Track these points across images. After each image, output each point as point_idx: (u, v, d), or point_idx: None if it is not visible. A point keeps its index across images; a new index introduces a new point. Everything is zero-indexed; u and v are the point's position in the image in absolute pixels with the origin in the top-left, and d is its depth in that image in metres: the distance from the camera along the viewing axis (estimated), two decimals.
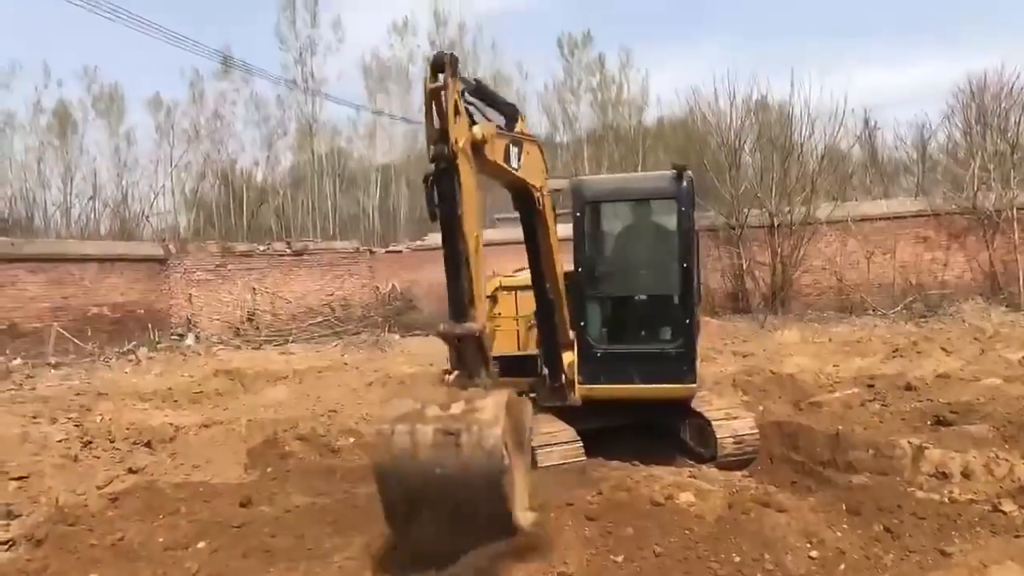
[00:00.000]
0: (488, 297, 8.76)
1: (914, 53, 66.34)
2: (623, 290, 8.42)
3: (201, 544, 6.01)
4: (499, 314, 8.68)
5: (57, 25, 62.52)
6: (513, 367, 8.50)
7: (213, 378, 15.33)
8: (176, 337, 21.18)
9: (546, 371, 8.17)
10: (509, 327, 8.71)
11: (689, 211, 8.03)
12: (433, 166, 5.03)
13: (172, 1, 59.10)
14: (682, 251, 8.02)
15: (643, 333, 8.33)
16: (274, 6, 43.37)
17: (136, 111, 58.15)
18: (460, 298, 5.16)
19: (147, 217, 38.81)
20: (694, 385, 8.11)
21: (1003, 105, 23.28)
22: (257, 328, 22.98)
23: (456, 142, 4.93)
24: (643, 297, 8.44)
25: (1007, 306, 19.46)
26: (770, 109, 26.77)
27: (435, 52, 5.06)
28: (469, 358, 5.08)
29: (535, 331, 8.58)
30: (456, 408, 4.54)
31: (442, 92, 4.88)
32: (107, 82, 42.22)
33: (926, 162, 31.12)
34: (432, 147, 4.96)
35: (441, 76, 4.88)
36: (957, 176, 23.97)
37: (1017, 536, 5.37)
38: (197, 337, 21.23)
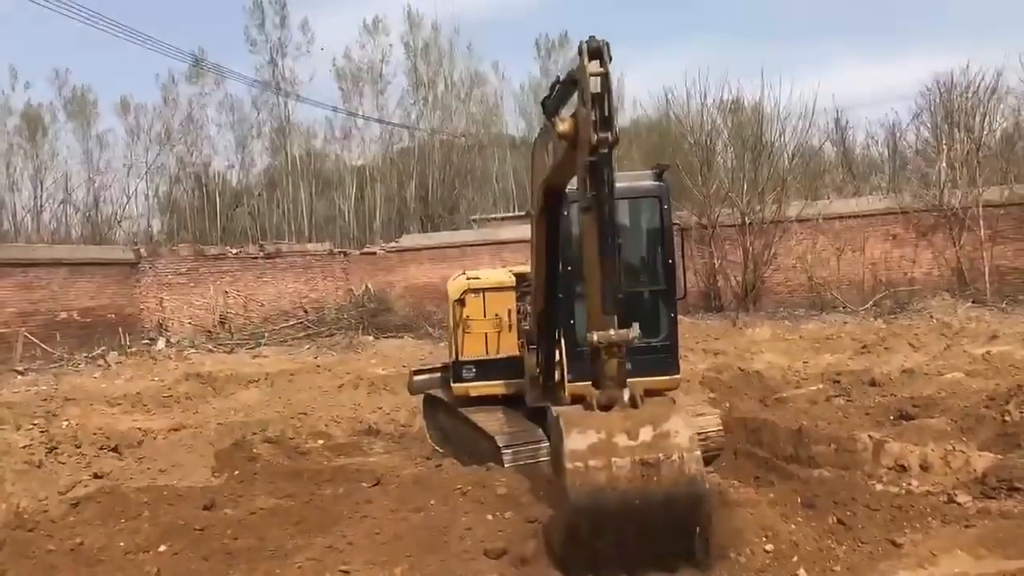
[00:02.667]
0: (456, 301, 8.75)
1: (885, 53, 67.05)
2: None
3: (162, 548, 5.97)
4: (468, 317, 8.64)
5: (24, 27, 61.80)
6: (490, 371, 8.54)
7: (183, 382, 15.24)
8: (147, 341, 20.99)
9: (536, 372, 8.16)
10: (479, 330, 8.68)
11: (670, 209, 8.35)
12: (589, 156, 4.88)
13: (143, 4, 58.63)
14: (665, 247, 8.28)
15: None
16: (243, 8, 42.99)
17: (108, 115, 57.62)
18: (615, 299, 5.01)
19: (119, 221, 38.52)
20: (678, 376, 8.34)
21: (969, 104, 23.60)
22: (229, 331, 22.83)
23: (615, 131, 4.85)
24: (629, 293, 8.55)
25: (973, 302, 19.74)
26: (743, 109, 27.00)
27: (588, 39, 4.89)
28: (617, 368, 4.96)
29: (507, 333, 8.60)
30: (645, 434, 4.52)
31: (607, 79, 4.79)
32: (78, 85, 41.85)
33: (896, 161, 31.52)
34: (596, 134, 4.79)
35: (598, 63, 4.78)
36: (926, 174, 24.29)
37: (968, 526, 5.47)
38: (168, 341, 21.06)
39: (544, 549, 4.91)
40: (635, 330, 5.06)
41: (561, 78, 5.75)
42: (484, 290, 8.70)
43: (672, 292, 8.35)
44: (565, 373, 8.07)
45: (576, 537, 4.57)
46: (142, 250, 23.88)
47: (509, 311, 8.66)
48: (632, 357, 8.13)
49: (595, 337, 4.97)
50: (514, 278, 8.92)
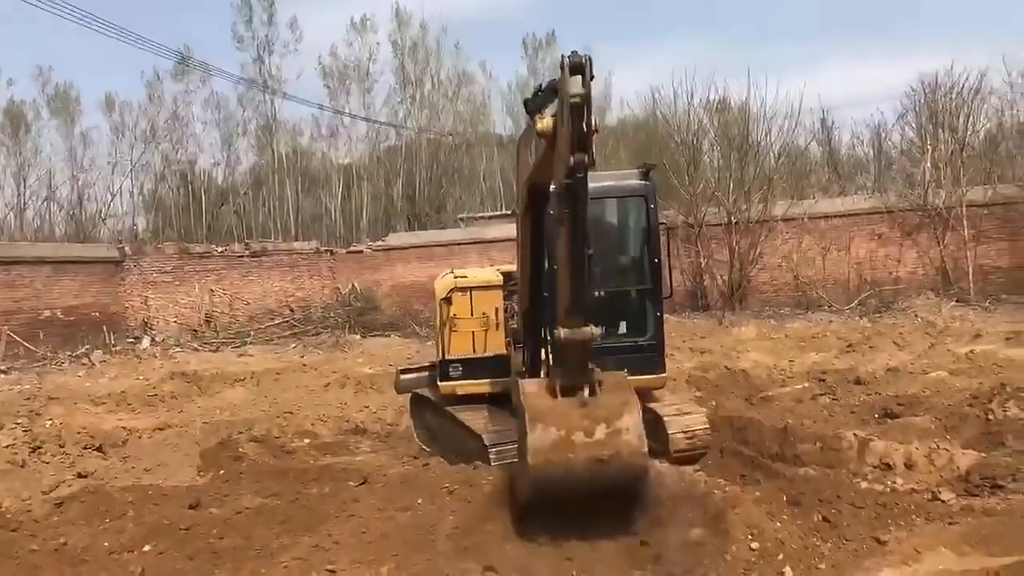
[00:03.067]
0: (443, 299, 8.72)
1: (871, 54, 67.43)
2: (596, 286, 8.54)
3: (147, 547, 5.95)
4: (455, 315, 8.61)
5: (7, 24, 61.26)
6: (477, 369, 8.52)
7: (168, 381, 15.16)
8: (132, 340, 20.85)
9: (523, 370, 8.12)
10: (465, 329, 8.66)
11: (656, 208, 8.45)
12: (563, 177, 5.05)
13: (129, 1, 58.23)
14: (651, 246, 8.38)
15: (616, 327, 8.53)
16: (231, 5, 42.68)
17: (93, 112, 57.19)
18: (582, 302, 5.48)
19: (103, 219, 38.25)
20: (665, 375, 8.49)
21: (953, 105, 23.77)
22: (215, 330, 22.72)
23: (593, 151, 4.93)
24: (616, 292, 8.58)
25: (957, 301, 19.88)
26: (729, 109, 27.08)
27: (571, 53, 4.87)
28: (578, 361, 5.49)
29: (495, 332, 8.59)
30: (600, 432, 5.16)
31: (587, 99, 4.80)
32: (61, 81, 41.52)
33: (881, 160, 31.70)
34: (573, 156, 4.88)
35: (579, 81, 4.78)
36: (910, 174, 24.45)
37: (951, 523, 5.52)
38: (153, 340, 20.93)
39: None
40: (597, 329, 5.55)
41: (543, 84, 5.84)
42: (471, 289, 8.69)
43: (658, 291, 8.48)
44: (550, 371, 8.10)
45: (531, 505, 5.39)
46: (127, 248, 23.74)
47: (496, 310, 8.65)
48: (618, 356, 8.29)
49: (562, 334, 5.44)
50: (501, 277, 8.92)
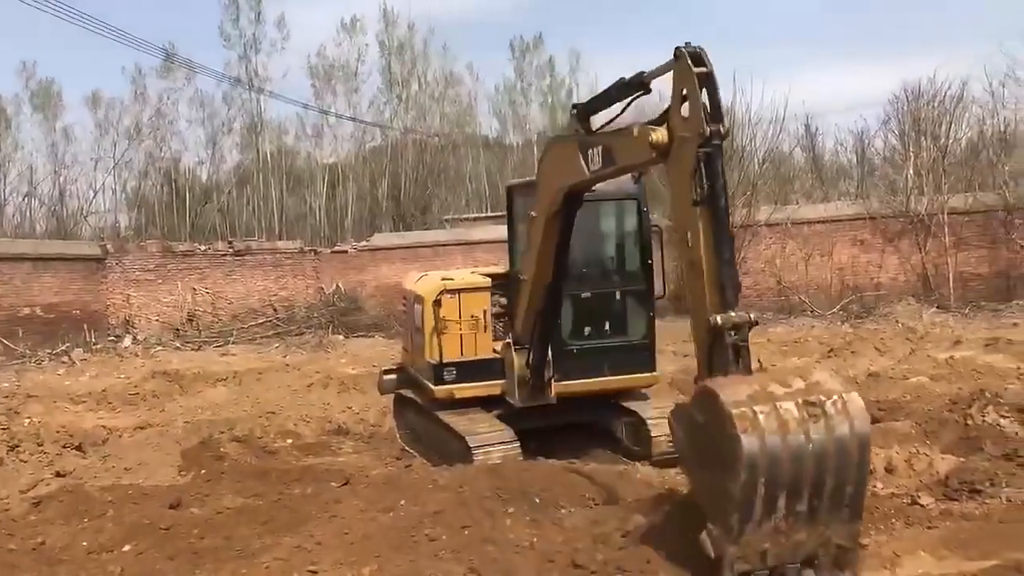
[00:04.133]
0: (434, 302, 8.66)
1: (856, 60, 67.95)
2: (592, 288, 8.58)
3: (126, 547, 5.89)
4: (445, 318, 8.56)
5: None
6: (472, 372, 8.48)
7: (150, 379, 15.07)
8: (113, 338, 20.72)
9: (524, 372, 8.16)
10: (456, 332, 8.61)
11: (648, 210, 8.66)
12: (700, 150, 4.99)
13: None
14: (643, 248, 8.60)
15: (610, 328, 8.67)
16: (217, 3, 42.52)
17: (77, 108, 56.70)
18: (735, 285, 4.96)
19: (85, 216, 37.94)
20: (657, 374, 8.69)
21: (936, 113, 23.99)
22: (197, 329, 22.60)
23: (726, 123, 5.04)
24: (610, 293, 8.67)
25: (937, 307, 20.05)
26: None
27: (685, 44, 5.11)
28: (733, 350, 4.80)
29: (483, 334, 8.56)
30: (798, 384, 4.35)
31: (712, 77, 5.00)
32: (44, 77, 41.19)
33: (865, 167, 31.94)
34: (710, 126, 4.94)
35: (701, 65, 4.98)
36: (893, 181, 24.65)
37: (930, 527, 5.56)
38: (135, 338, 20.80)
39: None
40: (751, 313, 4.97)
41: (624, 80, 6.01)
42: (460, 291, 8.66)
43: (650, 292, 8.65)
44: (552, 373, 8.14)
45: (747, 504, 4.17)
46: (109, 246, 23.58)
47: (484, 312, 8.63)
48: (611, 355, 8.41)
49: (718, 320, 4.80)
50: (489, 279, 8.91)
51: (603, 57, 72.33)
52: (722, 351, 4.82)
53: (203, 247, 24.91)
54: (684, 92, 5.08)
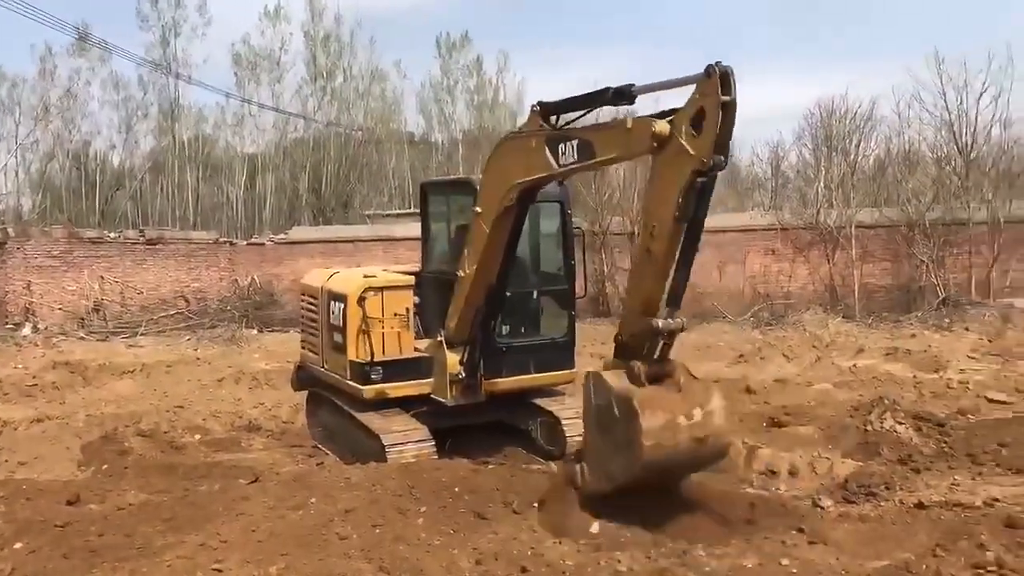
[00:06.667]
0: (357, 300, 8.47)
1: (774, 75, 70.00)
2: (518, 287, 8.62)
3: (18, 544, 5.68)
4: (369, 316, 8.40)
5: None
6: (399, 371, 8.37)
7: (50, 370, 14.48)
8: (11, 327, 19.78)
9: (457, 371, 8.15)
10: (380, 330, 8.47)
11: (571, 213, 8.84)
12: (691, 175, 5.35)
13: None
14: (567, 249, 8.78)
15: (536, 326, 8.85)
16: None
17: None
18: (682, 292, 5.83)
19: None
20: (575, 371, 8.80)
21: (847, 130, 24.93)
22: (104, 319, 21.76)
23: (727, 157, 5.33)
24: (535, 293, 8.83)
25: (843, 316, 20.76)
26: None
27: (716, 62, 5.21)
28: (667, 351, 5.83)
29: (407, 333, 8.47)
30: (697, 415, 5.64)
31: (733, 106, 5.15)
32: None
33: (778, 179, 32.93)
34: (713, 156, 5.21)
35: (726, 89, 5.12)
36: (805, 194, 25.46)
37: (830, 529, 5.76)
38: (36, 327, 19.91)
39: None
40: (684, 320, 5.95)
41: (611, 90, 6.20)
42: (384, 289, 8.55)
43: (572, 292, 8.88)
44: (482, 371, 8.15)
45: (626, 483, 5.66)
46: (9, 230, 22.47)
47: (407, 310, 8.56)
48: (536, 353, 8.52)
49: (659, 324, 5.71)
50: (411, 277, 8.86)
51: (528, 59, 72.75)
52: (651, 348, 5.82)
53: (113, 234, 23.99)
54: (702, 110, 5.25)
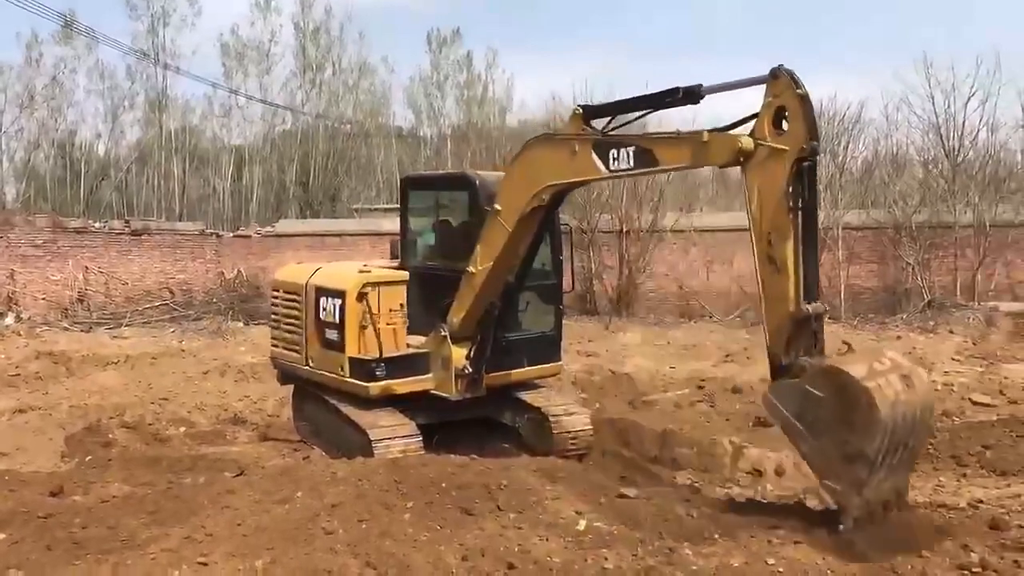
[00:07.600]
0: (357, 296, 8.37)
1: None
2: (514, 281, 8.59)
3: (1, 536, 5.60)
4: (369, 312, 8.33)
5: None
6: (401, 367, 8.30)
7: (34, 361, 14.37)
8: None
9: (463, 366, 8.18)
10: (379, 325, 8.39)
11: (559, 209, 8.68)
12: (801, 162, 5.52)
13: None
14: (555, 245, 8.88)
15: (527, 320, 8.92)
16: None
17: None
18: (818, 279, 5.84)
19: None
20: (561, 364, 9.16)
21: (836, 132, 25.03)
22: (88, 310, 21.61)
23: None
24: (527, 287, 8.76)
25: (829, 317, 20.80)
26: None
27: (779, 65, 5.61)
28: (810, 337, 5.62)
29: (401, 329, 8.44)
30: (887, 362, 5.37)
31: (808, 99, 5.51)
32: None
33: None
34: (810, 142, 5.47)
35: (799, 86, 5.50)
36: None
37: (813, 528, 5.78)
38: (18, 317, 19.75)
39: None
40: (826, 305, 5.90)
41: (681, 89, 6.37)
42: (381, 284, 8.49)
43: (560, 287, 9.00)
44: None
45: (876, 461, 5.07)
46: None
47: (401, 305, 8.51)
48: (527, 347, 8.62)
49: (808, 308, 5.60)
50: (405, 272, 8.81)
51: (518, 59, 72.76)
52: (807, 336, 5.64)
53: (98, 224, 23.82)
54: (782, 108, 5.56)
